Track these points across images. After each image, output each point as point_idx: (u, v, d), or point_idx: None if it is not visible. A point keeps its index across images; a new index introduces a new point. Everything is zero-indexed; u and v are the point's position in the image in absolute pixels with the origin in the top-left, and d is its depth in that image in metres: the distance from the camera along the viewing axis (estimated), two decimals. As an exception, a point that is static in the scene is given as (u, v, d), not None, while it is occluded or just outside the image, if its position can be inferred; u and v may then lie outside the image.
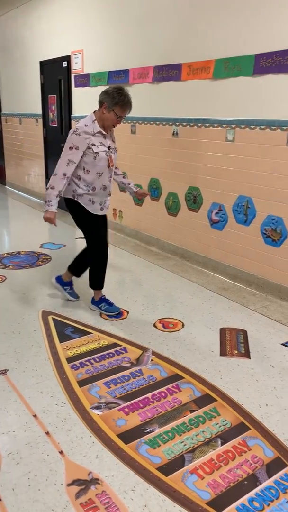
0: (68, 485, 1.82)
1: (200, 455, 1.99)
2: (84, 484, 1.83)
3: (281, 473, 1.90)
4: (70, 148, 2.95)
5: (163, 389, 2.46)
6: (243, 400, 2.38)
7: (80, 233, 5.53)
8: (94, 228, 3.19)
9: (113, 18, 4.96)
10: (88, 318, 3.28)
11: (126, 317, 3.31)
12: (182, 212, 4.54)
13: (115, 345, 2.91)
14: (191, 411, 2.28)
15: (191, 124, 4.20)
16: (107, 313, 3.31)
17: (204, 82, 3.99)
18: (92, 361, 2.72)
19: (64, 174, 2.96)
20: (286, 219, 3.49)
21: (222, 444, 2.06)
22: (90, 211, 3.12)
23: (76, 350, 2.83)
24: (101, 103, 2.97)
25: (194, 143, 4.21)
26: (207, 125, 4.03)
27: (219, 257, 4.19)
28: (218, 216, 4.12)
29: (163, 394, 2.41)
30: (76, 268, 3.50)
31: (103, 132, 3.01)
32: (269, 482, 1.86)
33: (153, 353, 2.82)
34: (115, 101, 2.91)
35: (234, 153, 3.83)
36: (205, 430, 2.15)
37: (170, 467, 1.92)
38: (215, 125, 3.94)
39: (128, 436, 2.10)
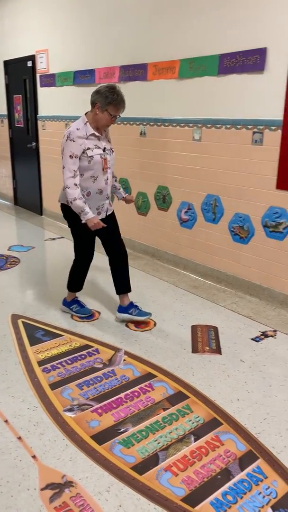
0: (42, 489, 1.80)
1: (173, 452, 2.01)
2: (58, 487, 1.81)
3: (253, 465, 1.94)
4: (71, 156, 2.80)
5: (136, 388, 2.46)
6: (215, 395, 2.41)
7: (49, 234, 5.48)
8: (84, 236, 3.06)
9: (78, 18, 4.93)
10: (59, 321, 3.25)
11: (97, 318, 3.30)
12: (152, 212, 4.56)
13: (87, 346, 2.89)
14: (164, 409, 2.29)
15: (158, 123, 4.22)
16: (78, 315, 3.29)
17: (170, 82, 4.02)
18: (64, 363, 2.69)
19: (75, 184, 2.84)
20: (253, 217, 3.56)
21: (195, 440, 2.08)
22: None
23: (48, 353, 2.79)
24: (93, 103, 2.84)
25: (162, 143, 4.23)
26: (174, 124, 4.06)
27: (190, 256, 4.23)
28: (187, 215, 4.16)
29: (136, 394, 2.41)
30: (119, 285, 3.27)
31: (97, 134, 2.88)
32: (241, 475, 1.89)
33: (126, 353, 2.81)
34: (108, 100, 2.78)
35: (201, 152, 3.87)
36: (178, 427, 2.16)
37: (144, 466, 1.92)
38: (182, 124, 3.98)
39: (102, 437, 2.09)
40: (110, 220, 3.16)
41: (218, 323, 3.26)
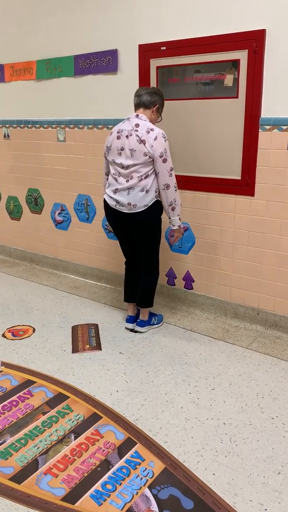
0: None
1: (54, 454, 2.00)
2: None
3: (131, 451, 2.01)
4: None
5: (15, 397, 2.39)
6: (95, 391, 2.45)
7: None
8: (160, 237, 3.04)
9: None
10: None
11: (-28, 332, 3.14)
12: (25, 215, 4.45)
13: None
14: (44, 413, 2.27)
15: (22, 125, 4.13)
16: (160, 325, 3.21)
17: (29, 83, 3.95)
18: None
19: None
20: (123, 213, 3.66)
21: (76, 438, 2.10)
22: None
23: None
24: (152, 103, 2.76)
25: (28, 145, 4.15)
26: (37, 126, 4.01)
27: (68, 257, 4.22)
28: (61, 216, 4.14)
29: (14, 403, 2.35)
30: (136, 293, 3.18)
31: None
32: (121, 463, 1.95)
33: (3, 363, 2.72)
34: (163, 102, 2.83)
35: (67, 153, 3.88)
36: (58, 428, 2.16)
37: (23, 474, 1.89)
38: (45, 125, 3.94)
39: (-23, 454, 2.00)
40: None
41: (99, 319, 3.31)
